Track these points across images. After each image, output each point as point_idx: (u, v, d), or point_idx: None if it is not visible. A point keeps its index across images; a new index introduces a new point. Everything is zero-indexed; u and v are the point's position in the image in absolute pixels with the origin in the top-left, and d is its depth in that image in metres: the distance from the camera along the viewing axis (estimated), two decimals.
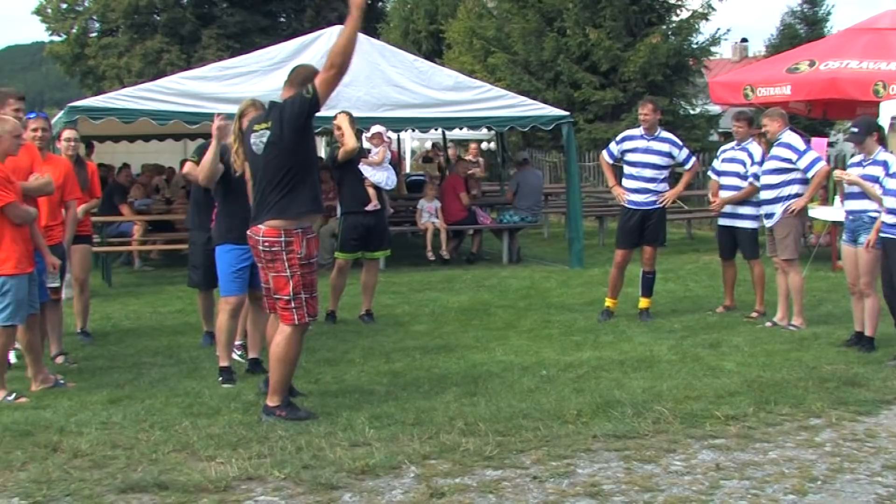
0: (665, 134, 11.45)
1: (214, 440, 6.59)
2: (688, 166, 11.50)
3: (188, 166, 9.37)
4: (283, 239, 7.09)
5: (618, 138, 11.58)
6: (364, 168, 11.29)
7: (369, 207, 11.25)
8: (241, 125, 8.08)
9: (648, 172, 11.21)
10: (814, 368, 8.70)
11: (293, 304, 7.14)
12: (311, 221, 7.32)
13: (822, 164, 10.73)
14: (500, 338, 10.44)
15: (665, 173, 11.35)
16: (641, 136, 11.27)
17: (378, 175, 11.45)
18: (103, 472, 5.99)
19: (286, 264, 7.11)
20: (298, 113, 7.04)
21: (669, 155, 11.26)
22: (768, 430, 6.91)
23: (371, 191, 11.31)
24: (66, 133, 9.86)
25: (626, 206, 11.34)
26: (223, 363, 8.53)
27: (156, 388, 8.23)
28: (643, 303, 11.50)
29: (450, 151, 26.42)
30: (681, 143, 11.53)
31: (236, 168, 8.13)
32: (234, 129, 8.13)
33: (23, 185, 8.09)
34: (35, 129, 9.07)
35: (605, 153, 11.57)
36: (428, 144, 38.53)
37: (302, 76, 7.28)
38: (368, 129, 12.16)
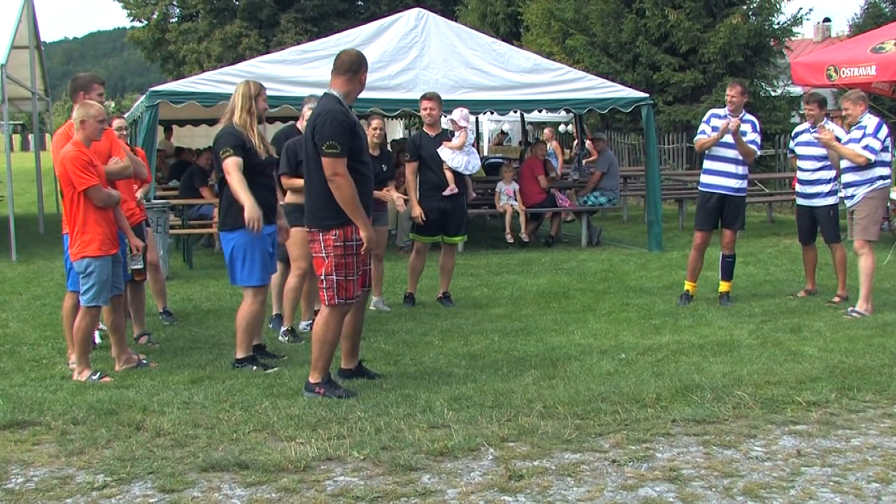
0: (748, 116, 11.27)
1: (294, 421, 6.65)
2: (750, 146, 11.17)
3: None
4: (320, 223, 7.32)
5: (706, 118, 11.38)
6: (443, 152, 11.27)
7: (446, 192, 11.24)
8: (250, 106, 8.22)
9: (732, 153, 11.06)
10: None
11: (325, 285, 7.28)
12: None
13: (865, 153, 10.51)
14: (579, 321, 10.42)
15: None
16: (727, 117, 11.12)
17: (457, 159, 11.36)
18: (185, 450, 6.07)
19: (322, 245, 7.26)
20: (316, 145, 7.22)
21: (745, 135, 11.06)
22: (851, 417, 6.82)
23: (449, 175, 11.30)
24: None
25: (705, 188, 11.26)
26: (246, 354, 8.45)
27: (236, 368, 8.31)
28: (723, 286, 11.39)
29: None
30: (759, 127, 11.31)
31: (259, 152, 8.28)
32: (249, 110, 8.25)
33: (105, 168, 8.24)
34: (119, 129, 9.52)
35: (700, 136, 11.32)
36: (506, 127, 38.45)
37: (346, 64, 7.45)
38: (450, 113, 12.12)
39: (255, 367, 8.27)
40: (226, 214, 8.35)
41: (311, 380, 7.38)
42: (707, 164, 11.30)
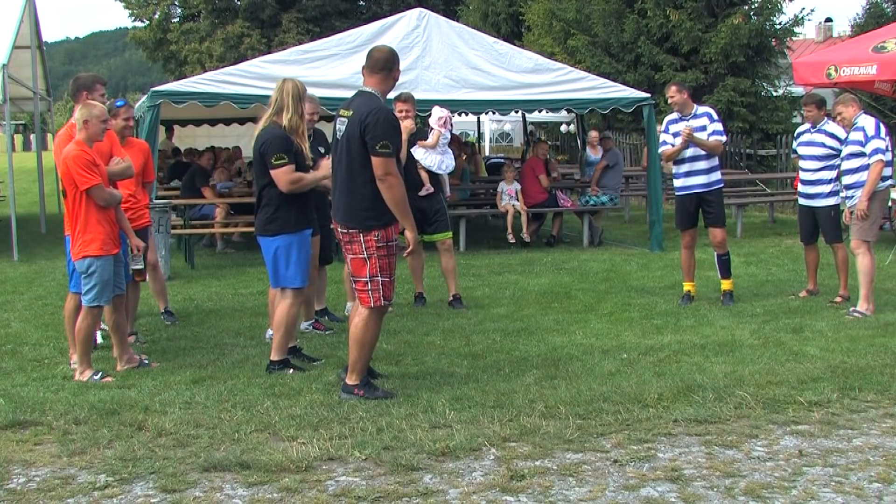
0: (702, 109, 11.28)
1: (296, 420, 6.65)
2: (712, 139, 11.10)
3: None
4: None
5: (663, 126, 11.41)
6: (416, 151, 11.20)
7: (422, 192, 11.15)
8: (301, 110, 8.09)
9: (693, 151, 11.05)
10: None
11: (370, 287, 7.17)
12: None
13: (878, 157, 10.49)
14: (581, 321, 10.41)
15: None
16: (680, 119, 11.14)
17: (429, 159, 11.27)
18: (187, 450, 6.08)
19: (363, 246, 7.16)
20: (365, 144, 7.06)
21: (705, 129, 11.06)
22: (852, 417, 6.81)
23: (423, 174, 11.25)
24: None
25: (681, 192, 11.26)
26: (281, 357, 8.30)
27: (238, 368, 8.32)
28: (725, 285, 11.37)
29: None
30: (716, 116, 11.26)
31: (306, 156, 8.19)
32: (300, 114, 8.12)
33: (107, 168, 8.24)
34: (127, 119, 9.45)
35: (662, 148, 11.37)
36: (507, 127, 38.45)
37: (381, 62, 7.33)
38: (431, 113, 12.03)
39: (290, 371, 8.13)
40: (271, 220, 8.16)
41: (350, 381, 7.31)
42: (675, 168, 11.29)
